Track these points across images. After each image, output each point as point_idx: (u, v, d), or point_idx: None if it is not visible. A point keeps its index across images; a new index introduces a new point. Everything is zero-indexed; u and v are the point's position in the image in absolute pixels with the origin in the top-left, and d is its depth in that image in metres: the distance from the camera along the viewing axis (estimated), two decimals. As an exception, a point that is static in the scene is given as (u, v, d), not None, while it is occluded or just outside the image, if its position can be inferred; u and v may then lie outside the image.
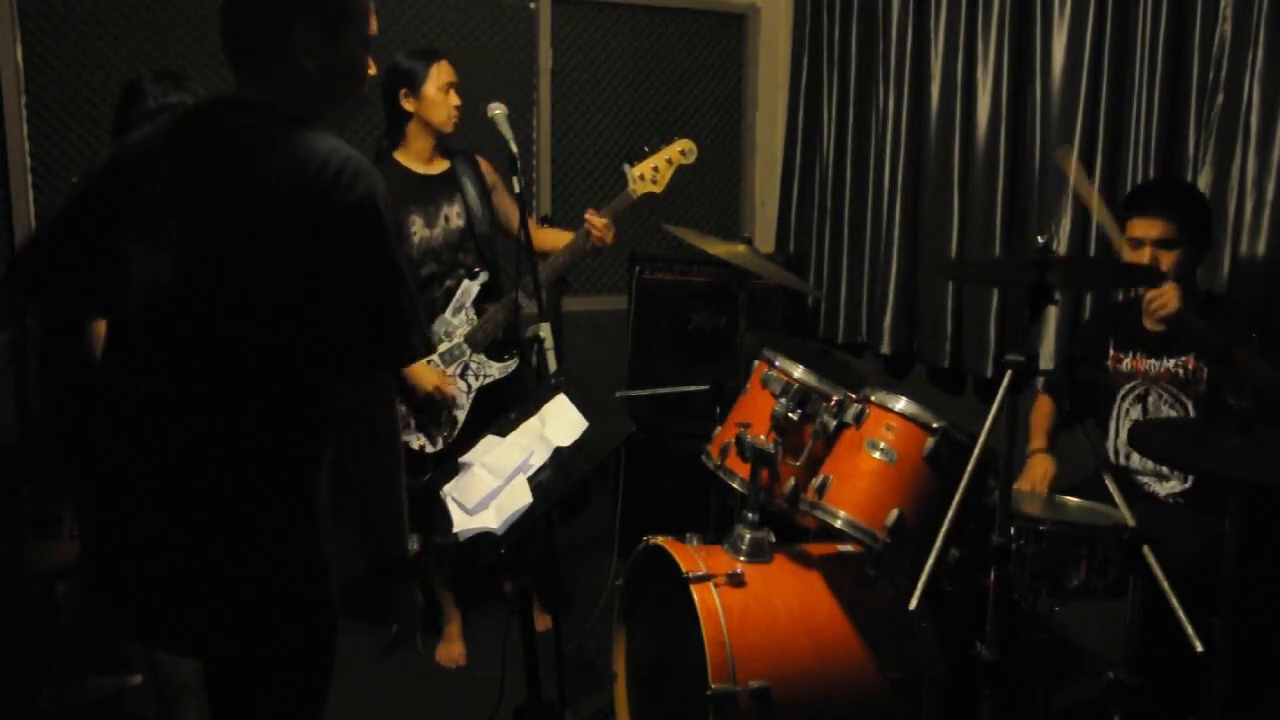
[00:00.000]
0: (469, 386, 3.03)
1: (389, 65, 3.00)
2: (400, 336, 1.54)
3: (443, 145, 3.07)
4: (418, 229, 2.99)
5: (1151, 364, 2.61)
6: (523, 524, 1.90)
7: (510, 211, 3.16)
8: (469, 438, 2.36)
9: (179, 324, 1.53)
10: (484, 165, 3.16)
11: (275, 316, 1.51)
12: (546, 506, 1.91)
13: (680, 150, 3.04)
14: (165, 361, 1.54)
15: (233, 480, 1.54)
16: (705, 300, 3.77)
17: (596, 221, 2.95)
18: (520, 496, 1.89)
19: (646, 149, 3.03)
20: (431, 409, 2.99)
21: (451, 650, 3.24)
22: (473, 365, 3.04)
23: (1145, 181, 2.92)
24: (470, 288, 3.03)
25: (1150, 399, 2.62)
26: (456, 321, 3.03)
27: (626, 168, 3.01)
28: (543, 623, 3.15)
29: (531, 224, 3.12)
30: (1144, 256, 2.51)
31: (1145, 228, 2.52)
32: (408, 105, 2.96)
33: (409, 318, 1.54)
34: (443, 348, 3.02)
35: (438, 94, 2.94)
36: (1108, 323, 2.78)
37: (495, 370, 3.06)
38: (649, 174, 3.00)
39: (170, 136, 1.58)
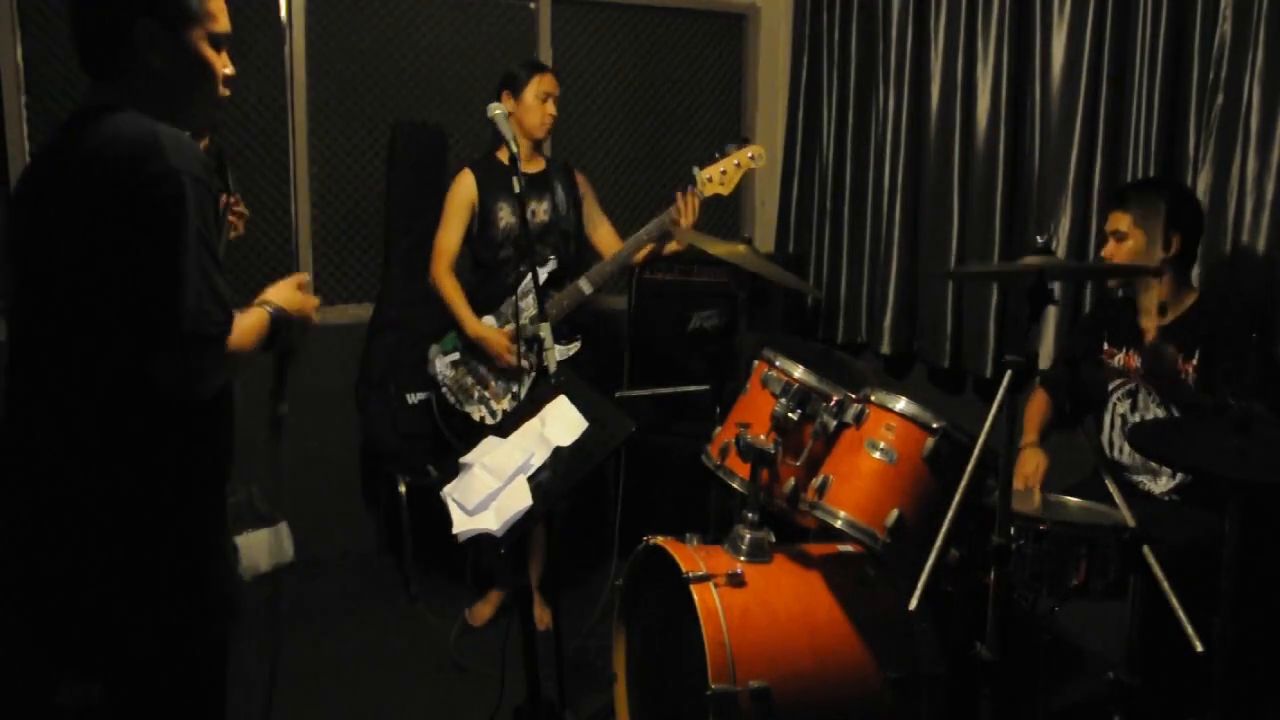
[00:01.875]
0: (530, 365, 3.20)
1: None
2: (171, 310, 1.45)
3: (539, 149, 3.33)
4: (504, 215, 3.26)
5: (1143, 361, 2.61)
6: (522, 525, 1.90)
7: (598, 223, 3.42)
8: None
9: (15, 324, 1.59)
10: (579, 178, 3.42)
11: (78, 300, 1.50)
12: (547, 507, 1.91)
13: (750, 155, 3.17)
14: (13, 355, 1.59)
15: (61, 475, 1.54)
16: (705, 300, 3.77)
17: (688, 203, 3.10)
18: (520, 498, 1.89)
19: (718, 154, 3.16)
20: (479, 352, 3.21)
21: (481, 610, 3.41)
22: (535, 347, 3.19)
23: None
24: (539, 273, 3.19)
25: (1140, 396, 2.63)
26: (525, 304, 3.23)
27: (696, 170, 3.15)
28: (543, 619, 3.17)
29: (608, 231, 3.42)
30: (1106, 250, 2.65)
31: (1109, 221, 2.65)
32: (507, 104, 3.21)
33: (187, 294, 1.45)
34: (511, 327, 3.24)
35: (534, 100, 3.20)
36: (1104, 318, 2.79)
37: (558, 351, 3.19)
38: (717, 177, 3.14)
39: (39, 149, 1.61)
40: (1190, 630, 1.84)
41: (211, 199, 1.51)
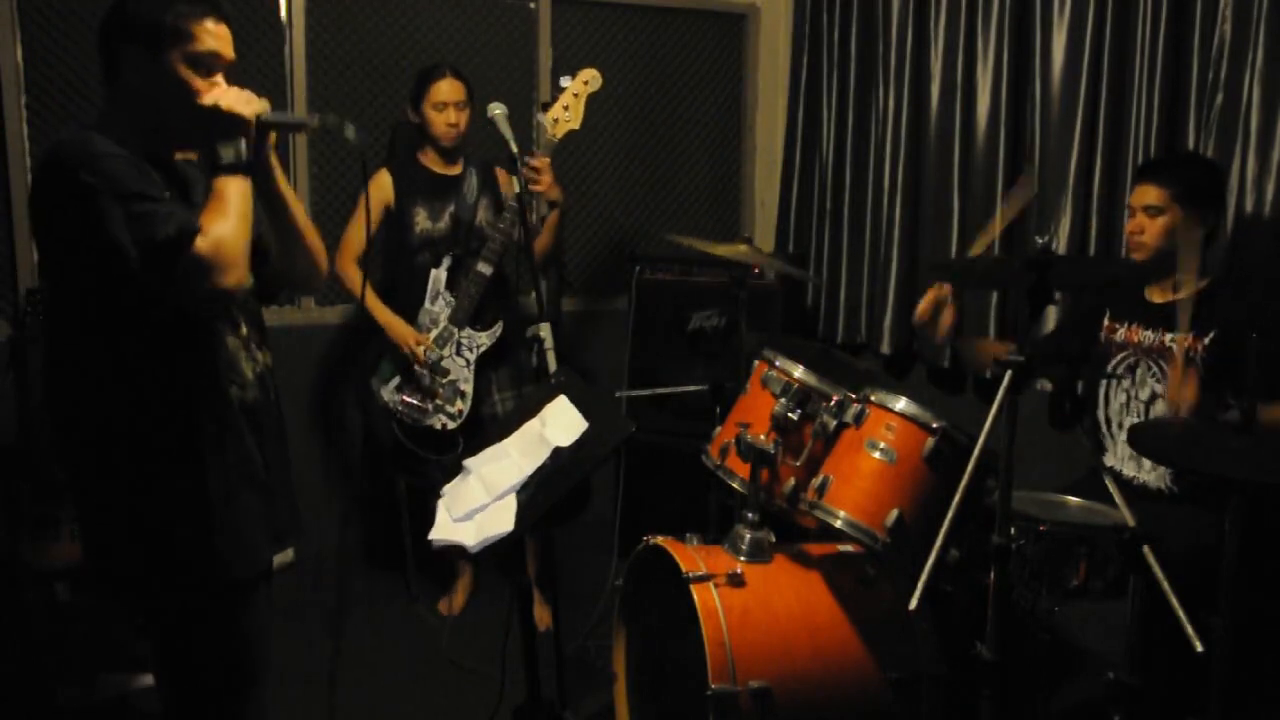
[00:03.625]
0: (467, 361, 3.24)
1: None
2: (132, 259, 1.56)
3: (458, 153, 3.34)
4: (420, 220, 3.28)
5: (1146, 335, 2.60)
6: (500, 547, 1.88)
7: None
8: (478, 407, 3.23)
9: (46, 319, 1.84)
10: (500, 175, 3.38)
11: (59, 286, 1.73)
12: (545, 507, 1.90)
13: (584, 81, 3.11)
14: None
15: (78, 431, 1.72)
16: (705, 300, 3.77)
17: (539, 164, 3.03)
18: (503, 520, 1.87)
19: (558, 92, 3.10)
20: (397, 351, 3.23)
21: (451, 601, 3.50)
22: (463, 341, 3.24)
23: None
24: (439, 275, 3.25)
25: (1139, 371, 2.61)
26: (437, 308, 3.25)
27: (540, 116, 3.12)
28: (543, 618, 3.15)
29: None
30: (1134, 225, 2.57)
31: (1138, 195, 2.58)
32: (412, 118, 3.30)
33: (124, 242, 1.56)
34: (433, 334, 3.23)
35: (430, 111, 3.24)
36: (1106, 292, 2.77)
37: (485, 339, 3.26)
38: (562, 115, 3.08)
39: None
40: (1190, 630, 1.84)
41: (109, 158, 1.59)
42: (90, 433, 1.71)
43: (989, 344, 2.97)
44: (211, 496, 1.72)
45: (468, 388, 3.24)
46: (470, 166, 3.35)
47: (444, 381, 3.23)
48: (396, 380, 3.27)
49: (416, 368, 3.21)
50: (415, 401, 3.25)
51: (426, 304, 3.25)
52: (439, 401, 3.23)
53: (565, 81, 3.09)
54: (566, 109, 3.07)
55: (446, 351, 3.23)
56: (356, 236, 3.31)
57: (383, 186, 3.29)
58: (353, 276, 3.29)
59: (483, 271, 3.16)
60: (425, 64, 3.91)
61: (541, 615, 3.20)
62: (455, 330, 3.22)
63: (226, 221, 1.62)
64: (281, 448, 1.90)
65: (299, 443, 3.85)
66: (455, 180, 3.31)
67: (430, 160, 3.33)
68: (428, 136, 3.28)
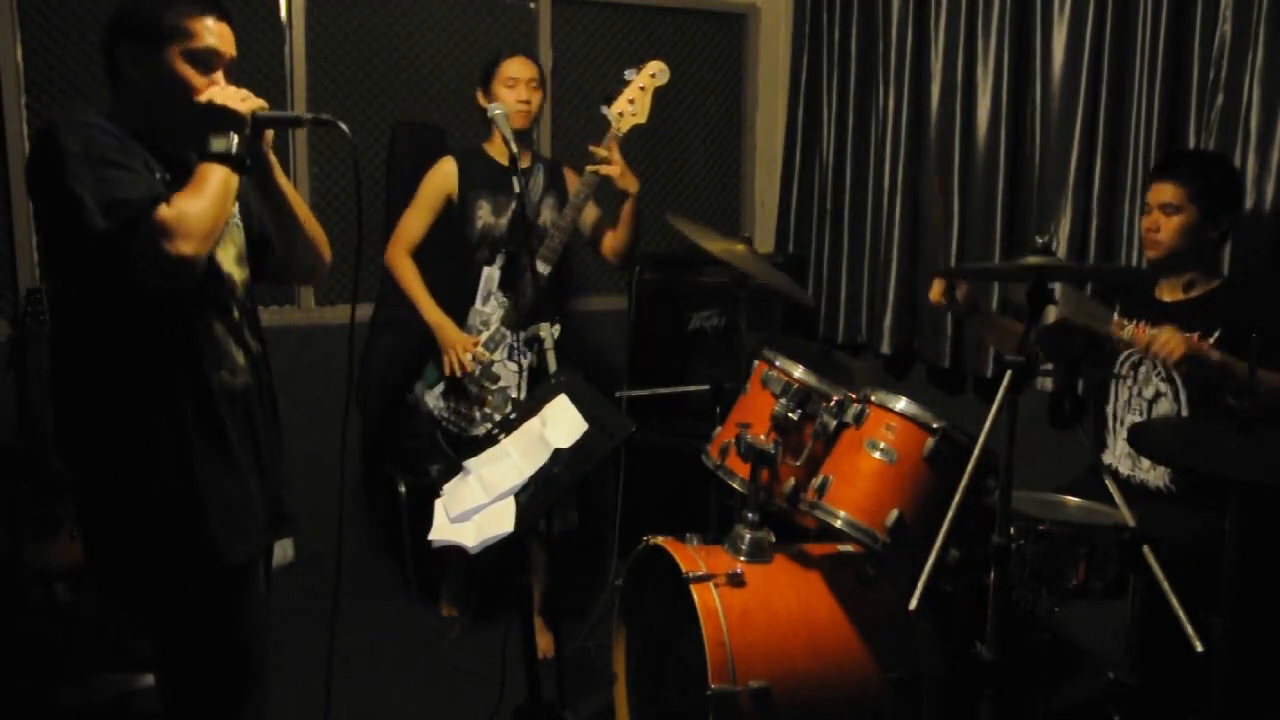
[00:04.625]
0: (519, 366, 3.06)
1: None
2: (88, 219, 1.58)
3: (527, 144, 3.19)
4: (484, 214, 3.13)
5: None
6: (499, 547, 1.88)
7: (589, 221, 3.25)
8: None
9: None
10: (569, 175, 3.25)
11: (52, 270, 1.85)
12: (546, 507, 1.90)
13: (651, 74, 3.04)
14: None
15: (74, 420, 1.75)
16: (705, 300, 3.77)
17: (610, 149, 2.98)
18: (503, 521, 1.87)
19: (622, 85, 3.03)
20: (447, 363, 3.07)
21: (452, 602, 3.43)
22: (517, 346, 3.08)
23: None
24: (492, 274, 3.10)
25: (1142, 369, 2.61)
26: (489, 309, 3.10)
27: (605, 109, 3.03)
28: (545, 646, 3.04)
29: (597, 218, 3.25)
30: (1150, 221, 2.55)
31: (1155, 192, 2.55)
32: (481, 101, 3.15)
33: (85, 200, 1.58)
34: (484, 336, 3.08)
35: (500, 89, 3.09)
36: (1117, 288, 2.76)
37: (544, 331, 3.08)
38: (628, 109, 3.02)
39: None
40: (1190, 630, 1.84)
41: (97, 128, 1.63)
42: (82, 420, 1.72)
43: (1008, 321, 2.93)
44: (201, 481, 1.72)
45: (520, 395, 3.03)
46: (538, 163, 3.22)
47: (494, 388, 3.06)
48: (443, 386, 3.10)
49: (463, 375, 3.05)
50: (463, 409, 3.09)
51: (477, 304, 3.09)
52: (487, 410, 3.07)
53: (630, 75, 3.00)
54: (632, 103, 2.98)
55: (498, 356, 3.06)
56: (412, 227, 3.14)
57: (446, 175, 3.14)
58: (402, 267, 3.13)
59: (542, 272, 3.00)
60: (425, 64, 3.94)
61: (542, 642, 3.08)
62: (508, 334, 3.06)
63: (197, 199, 1.63)
64: (274, 434, 1.90)
65: (299, 443, 3.84)
66: (522, 175, 3.11)
67: (498, 151, 3.15)
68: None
